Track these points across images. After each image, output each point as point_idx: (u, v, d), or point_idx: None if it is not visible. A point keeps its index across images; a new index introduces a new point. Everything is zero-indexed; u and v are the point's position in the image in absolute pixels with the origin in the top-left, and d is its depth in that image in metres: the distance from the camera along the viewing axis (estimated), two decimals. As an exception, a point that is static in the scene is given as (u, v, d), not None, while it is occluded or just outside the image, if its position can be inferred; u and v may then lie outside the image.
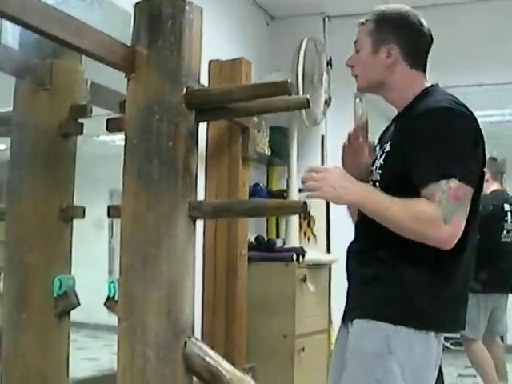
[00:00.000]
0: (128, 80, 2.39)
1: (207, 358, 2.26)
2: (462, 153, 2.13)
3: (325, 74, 4.55)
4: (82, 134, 2.65)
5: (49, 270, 2.58)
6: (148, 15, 2.41)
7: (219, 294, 3.53)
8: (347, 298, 2.42)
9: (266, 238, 4.25)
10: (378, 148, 2.43)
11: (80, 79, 2.74)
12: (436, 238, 2.11)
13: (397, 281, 2.21)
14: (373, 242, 2.30)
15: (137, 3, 2.42)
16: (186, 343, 2.27)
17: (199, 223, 3.60)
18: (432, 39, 2.37)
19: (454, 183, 2.08)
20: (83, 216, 2.65)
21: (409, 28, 2.32)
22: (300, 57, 4.18)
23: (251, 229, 4.18)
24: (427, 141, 2.13)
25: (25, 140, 2.62)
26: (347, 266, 2.44)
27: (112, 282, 2.43)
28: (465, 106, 2.23)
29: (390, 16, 2.34)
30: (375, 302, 2.26)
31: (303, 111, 4.46)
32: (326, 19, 5.16)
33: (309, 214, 4.81)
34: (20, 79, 2.63)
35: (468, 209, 2.14)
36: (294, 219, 4.47)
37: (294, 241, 4.41)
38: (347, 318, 2.39)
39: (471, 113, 2.21)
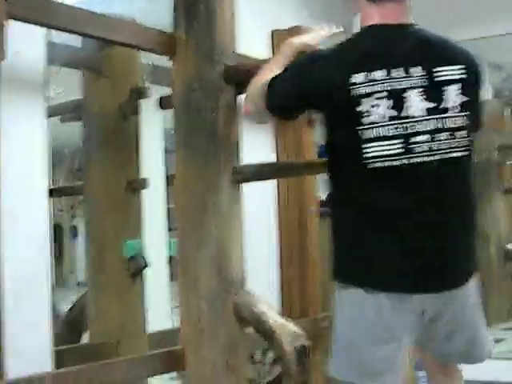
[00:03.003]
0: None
1: (254, 308, 2.49)
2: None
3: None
4: (138, 113, 2.95)
5: (121, 235, 2.92)
6: (185, 1, 2.65)
7: (293, 249, 3.75)
8: None
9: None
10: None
11: (137, 63, 3.03)
12: None
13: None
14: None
15: (176, -10, 2.66)
16: (236, 295, 2.53)
17: (273, 184, 3.87)
18: None
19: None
20: (146, 187, 2.98)
21: None
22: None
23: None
24: None
25: (91, 123, 2.96)
26: None
27: (171, 243, 2.72)
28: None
29: None
30: None
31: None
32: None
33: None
34: (83, 71, 2.96)
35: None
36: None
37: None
38: None
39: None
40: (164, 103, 2.80)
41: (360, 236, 2.05)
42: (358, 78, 1.96)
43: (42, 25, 2.26)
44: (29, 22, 2.18)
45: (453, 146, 1.99)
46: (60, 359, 2.54)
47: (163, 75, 3.22)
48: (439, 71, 2.00)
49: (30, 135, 2.48)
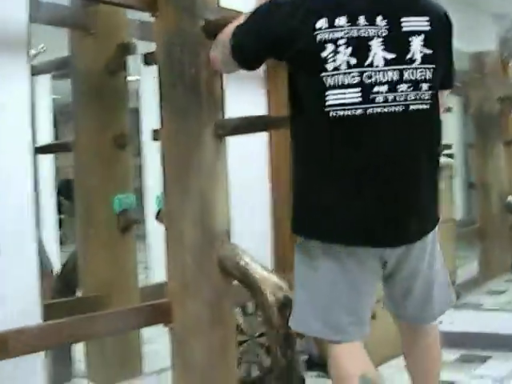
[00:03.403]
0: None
1: (238, 260, 2.53)
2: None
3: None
4: (125, 70, 2.97)
5: (109, 191, 2.96)
6: (166, -43, 2.65)
7: (285, 202, 3.78)
8: None
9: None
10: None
11: (123, 19, 3.04)
12: None
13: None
14: None
15: None
16: (220, 248, 2.56)
17: (264, 139, 3.89)
18: None
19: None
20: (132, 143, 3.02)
21: None
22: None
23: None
24: None
25: (79, 80, 2.98)
26: None
27: (158, 197, 2.75)
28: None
29: None
30: None
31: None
32: None
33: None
34: (69, 28, 2.98)
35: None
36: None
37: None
38: None
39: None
40: (148, 59, 2.81)
41: (319, 189, 2.04)
42: (322, 23, 1.93)
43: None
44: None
45: (413, 98, 1.95)
46: (50, 313, 2.59)
47: (151, 31, 3.23)
48: (404, 21, 1.97)
49: (14, 94, 2.50)
